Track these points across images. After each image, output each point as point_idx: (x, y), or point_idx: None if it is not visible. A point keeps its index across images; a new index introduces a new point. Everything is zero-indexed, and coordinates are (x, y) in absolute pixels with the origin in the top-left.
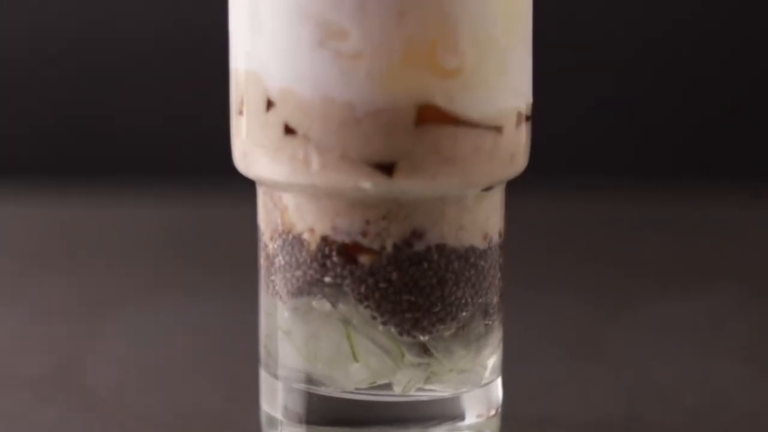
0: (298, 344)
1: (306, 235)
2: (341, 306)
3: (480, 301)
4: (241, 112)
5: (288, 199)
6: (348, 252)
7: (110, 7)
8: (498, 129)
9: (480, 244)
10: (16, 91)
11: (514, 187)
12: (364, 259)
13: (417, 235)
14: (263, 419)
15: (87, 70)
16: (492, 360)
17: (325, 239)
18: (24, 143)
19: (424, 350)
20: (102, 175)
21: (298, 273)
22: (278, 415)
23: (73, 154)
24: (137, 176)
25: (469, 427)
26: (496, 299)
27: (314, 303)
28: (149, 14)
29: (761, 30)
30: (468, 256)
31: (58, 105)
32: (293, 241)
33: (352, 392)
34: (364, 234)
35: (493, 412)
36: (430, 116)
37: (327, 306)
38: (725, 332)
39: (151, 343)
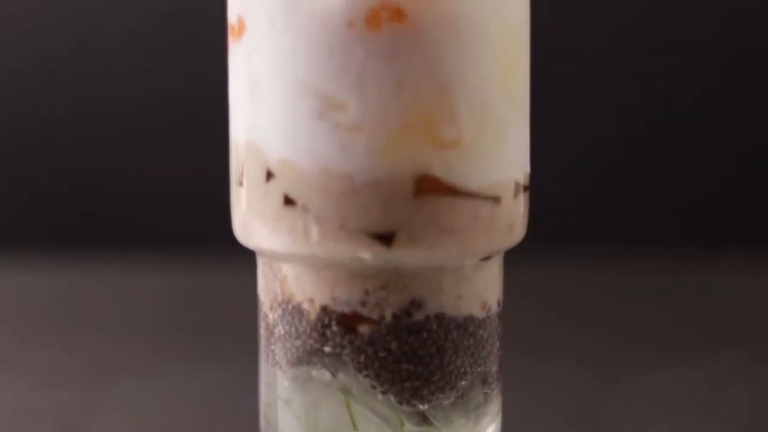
0: (298, 413)
1: (306, 305)
2: (341, 375)
3: (479, 370)
4: (241, 183)
5: (288, 269)
6: (347, 322)
7: (111, 75)
8: (496, 199)
9: (479, 313)
10: (16, 158)
11: (512, 256)
12: (363, 329)
13: (416, 304)
14: None
15: (87, 139)
16: (491, 429)
17: (324, 309)
18: (26, 212)
19: (424, 419)
20: (103, 243)
21: (298, 342)
22: None
23: (74, 222)
24: (137, 246)
25: None
26: (494, 368)
27: (314, 372)
28: (150, 83)
29: (760, 106)
30: (467, 325)
31: (60, 174)
32: (293, 311)
33: None
34: (363, 304)
35: None
36: (429, 187)
37: (327, 375)
38: (724, 400)
39: (152, 412)
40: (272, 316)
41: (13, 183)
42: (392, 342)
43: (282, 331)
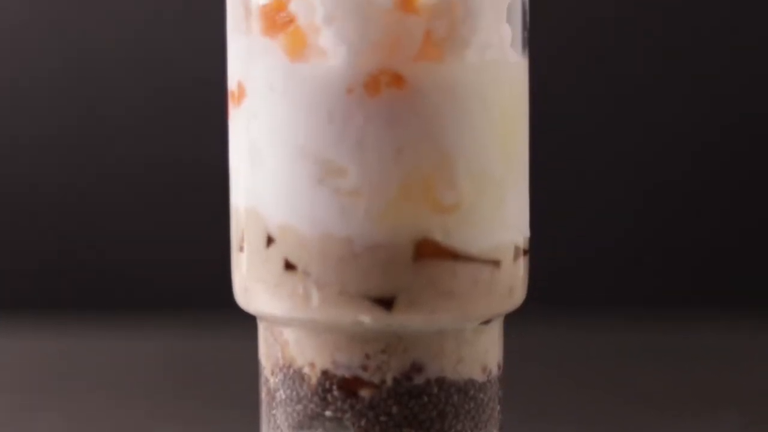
0: None
1: (306, 369)
2: None
3: None
4: (241, 249)
5: (288, 334)
6: (348, 386)
7: (111, 139)
8: (496, 263)
9: (479, 376)
10: (8, 225)
11: (513, 318)
12: (364, 393)
13: (416, 368)
14: None
15: (84, 202)
16: None
17: (325, 373)
18: (21, 276)
19: None
20: (102, 308)
21: (299, 407)
22: None
23: (72, 285)
24: (137, 310)
25: None
26: None
27: None
28: (149, 147)
29: (760, 171)
30: (467, 389)
31: (58, 237)
32: (294, 375)
33: None
34: (364, 368)
35: None
36: (428, 251)
37: None
38: None
39: None
40: (273, 381)
41: (10, 248)
42: (393, 406)
43: (283, 396)
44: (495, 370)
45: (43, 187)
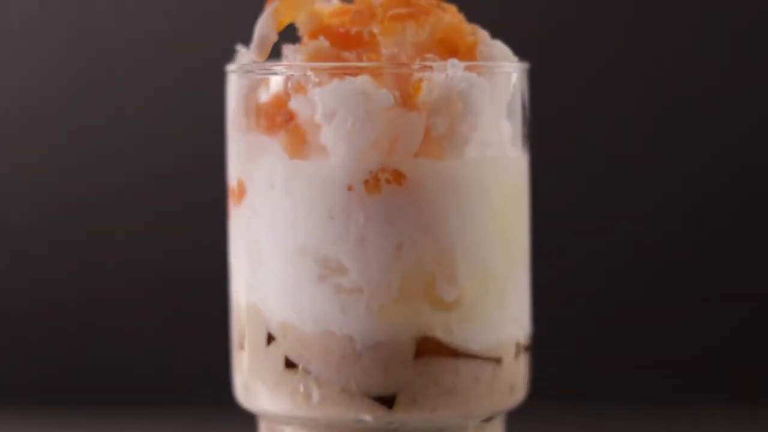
0: None
1: None
2: None
3: None
4: (242, 347)
5: None
6: None
7: (109, 237)
8: (497, 360)
9: None
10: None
11: (515, 414)
12: None
13: None
14: None
15: (82, 297)
16: None
17: None
18: (18, 371)
19: None
20: (101, 403)
21: None
22: None
23: (72, 379)
24: (134, 405)
25: None
26: None
27: None
28: (149, 246)
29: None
30: None
31: (50, 332)
32: None
33: None
34: None
35: None
36: (430, 349)
37: None
38: None
39: None
40: None
41: (10, 339)
42: None
43: None
44: None
45: (39, 281)
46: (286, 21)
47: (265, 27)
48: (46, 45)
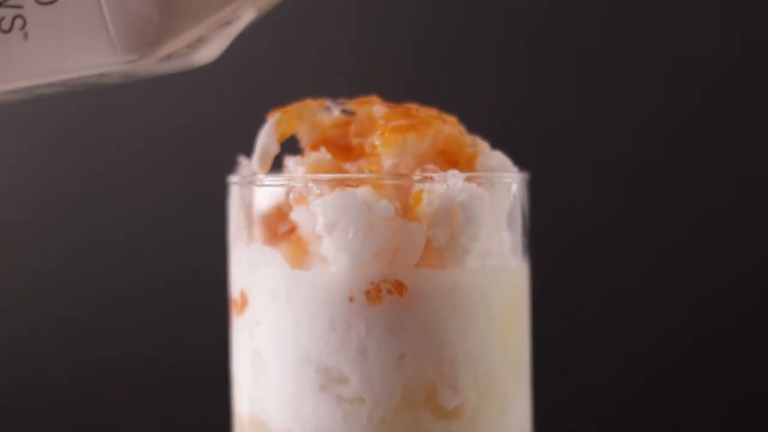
0: None
1: None
2: None
3: None
4: None
5: None
6: None
7: (108, 353)
8: None
9: None
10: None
11: None
12: None
13: None
14: None
15: (83, 403)
16: None
17: None
18: None
19: None
20: None
21: None
22: None
23: None
24: None
25: None
26: None
27: None
28: (149, 359)
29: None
30: None
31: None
32: None
33: None
34: None
35: None
36: None
37: None
38: None
39: None
40: None
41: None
42: None
43: None
44: None
45: (38, 386)
46: (288, 133)
47: (267, 138)
48: (53, 155)
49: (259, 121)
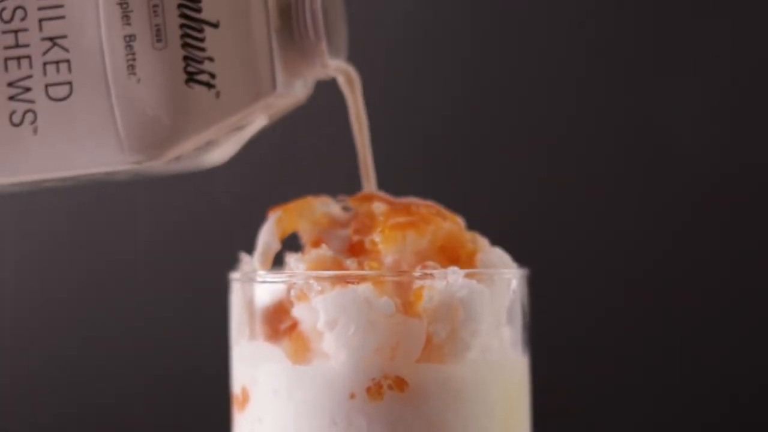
0: None
1: None
2: None
3: None
4: None
5: None
6: None
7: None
8: None
9: None
10: None
11: None
12: None
13: None
14: None
15: None
16: None
17: None
18: None
19: None
20: None
21: None
22: None
23: None
24: None
25: None
26: None
27: None
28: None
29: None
30: None
31: None
32: None
33: None
34: None
35: None
36: None
37: None
38: None
39: None
40: None
41: None
42: None
43: None
44: None
45: None
46: (289, 230)
47: (268, 236)
48: (54, 251)
49: (261, 219)
